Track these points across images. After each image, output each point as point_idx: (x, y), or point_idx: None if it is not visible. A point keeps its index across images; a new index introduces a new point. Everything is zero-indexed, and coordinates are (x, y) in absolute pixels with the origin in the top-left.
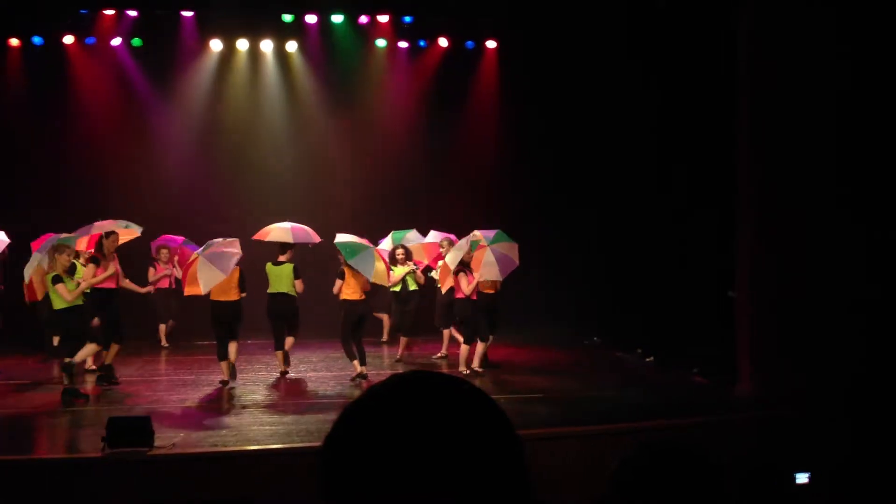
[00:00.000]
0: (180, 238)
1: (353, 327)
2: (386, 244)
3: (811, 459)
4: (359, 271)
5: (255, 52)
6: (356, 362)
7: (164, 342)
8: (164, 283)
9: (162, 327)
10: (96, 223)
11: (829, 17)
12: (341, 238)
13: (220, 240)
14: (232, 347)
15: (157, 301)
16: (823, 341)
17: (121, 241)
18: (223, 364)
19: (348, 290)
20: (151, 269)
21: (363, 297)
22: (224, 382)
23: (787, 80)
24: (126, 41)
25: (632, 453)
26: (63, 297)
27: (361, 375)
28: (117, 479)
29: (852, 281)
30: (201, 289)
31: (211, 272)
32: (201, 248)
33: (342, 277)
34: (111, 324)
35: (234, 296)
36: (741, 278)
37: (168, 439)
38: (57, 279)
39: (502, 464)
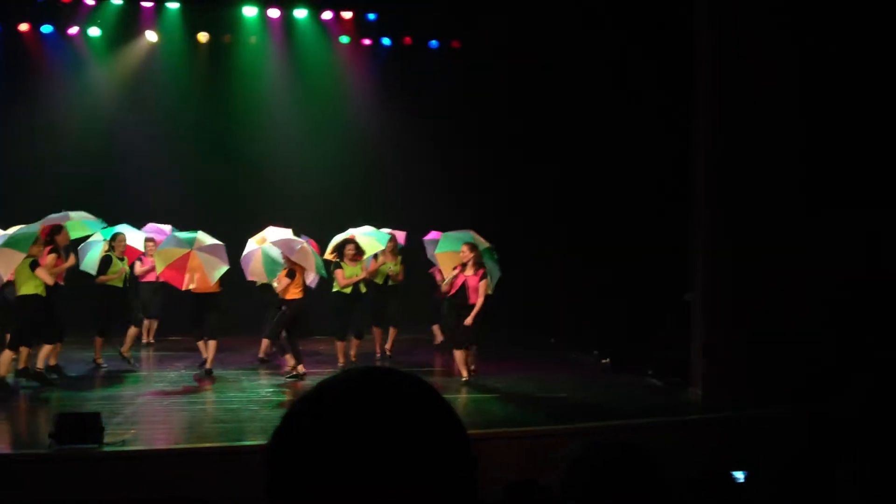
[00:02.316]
0: (168, 228)
1: (294, 325)
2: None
3: (758, 462)
4: (306, 268)
5: (216, 46)
6: (299, 365)
7: (146, 338)
8: (152, 277)
9: (146, 323)
10: (51, 216)
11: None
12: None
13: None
14: (210, 345)
15: (144, 296)
16: (778, 346)
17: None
18: (211, 343)
19: (296, 289)
20: (138, 262)
21: (305, 294)
22: (208, 371)
23: (747, 78)
24: (83, 31)
25: (578, 452)
26: (45, 280)
27: (299, 374)
28: (65, 477)
29: (809, 287)
30: (211, 281)
31: (215, 263)
32: (178, 244)
33: (292, 277)
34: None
35: (216, 288)
36: (698, 282)
37: (118, 436)
38: (36, 264)
39: (451, 463)
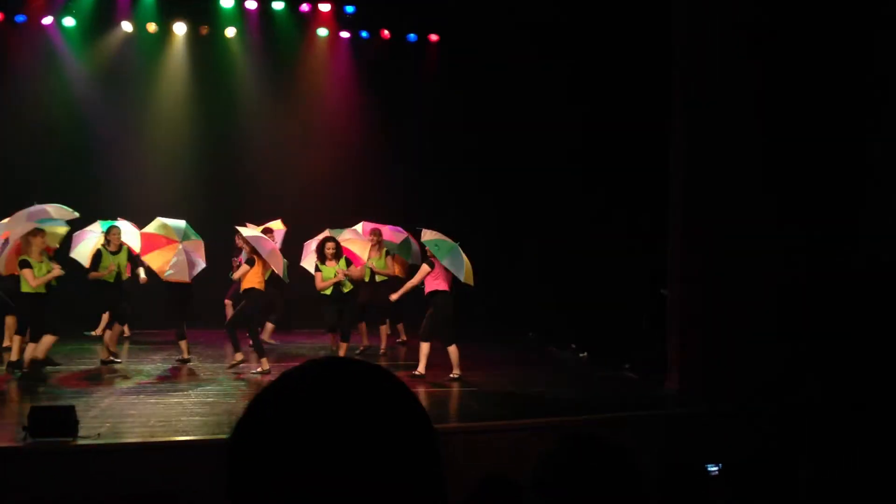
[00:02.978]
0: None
1: (252, 318)
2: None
3: (730, 455)
4: (273, 267)
5: (193, 37)
6: (238, 356)
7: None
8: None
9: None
10: (29, 209)
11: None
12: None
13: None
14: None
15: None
16: (754, 341)
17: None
18: (182, 343)
19: (255, 278)
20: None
21: (266, 286)
22: (184, 360)
23: (718, 85)
24: (57, 21)
25: (551, 446)
26: (28, 281)
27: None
28: (39, 470)
29: (780, 280)
30: (164, 275)
31: (182, 270)
32: (177, 231)
33: (251, 264)
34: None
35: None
36: (673, 276)
37: (94, 429)
38: (25, 263)
39: (417, 456)
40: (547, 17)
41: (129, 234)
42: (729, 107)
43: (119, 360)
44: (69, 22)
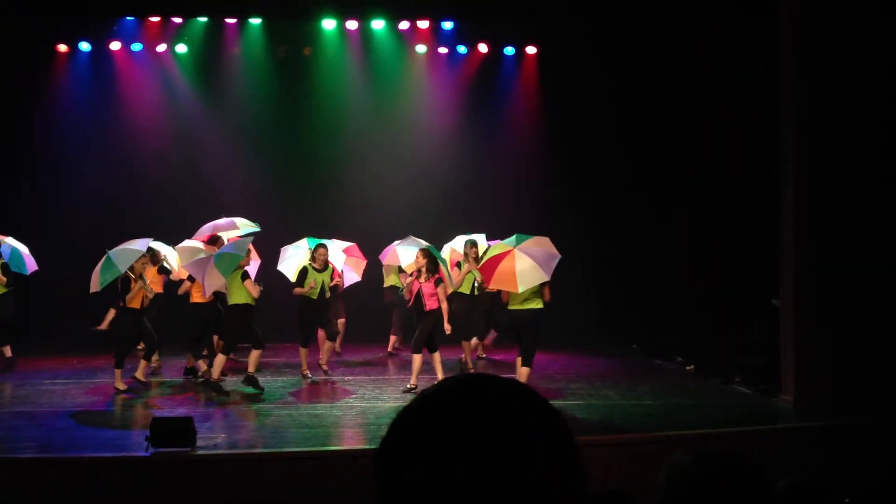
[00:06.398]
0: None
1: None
2: (457, 245)
3: (855, 474)
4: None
5: (296, 59)
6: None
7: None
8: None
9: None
10: (217, 222)
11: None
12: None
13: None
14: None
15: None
16: (871, 352)
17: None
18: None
19: (198, 292)
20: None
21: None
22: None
23: (833, 77)
24: (171, 48)
25: (683, 462)
26: (250, 291)
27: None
28: (161, 479)
29: None
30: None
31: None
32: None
33: (192, 280)
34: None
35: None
36: (786, 287)
37: (210, 440)
38: (246, 275)
39: (563, 467)
40: (646, 22)
41: (333, 254)
42: (844, 114)
43: (310, 377)
44: (182, 49)
